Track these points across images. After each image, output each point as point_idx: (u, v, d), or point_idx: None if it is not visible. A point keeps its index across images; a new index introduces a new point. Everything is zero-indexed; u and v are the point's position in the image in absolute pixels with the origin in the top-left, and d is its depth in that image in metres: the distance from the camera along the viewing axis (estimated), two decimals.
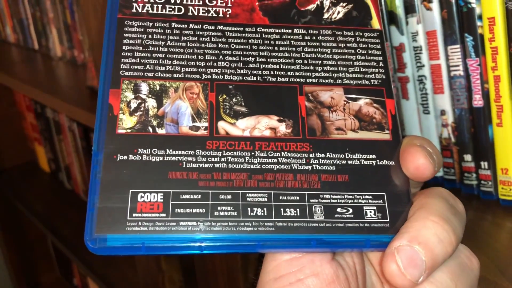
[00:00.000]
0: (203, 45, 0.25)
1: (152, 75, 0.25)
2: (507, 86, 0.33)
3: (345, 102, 0.25)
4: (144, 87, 0.24)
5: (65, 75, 0.84)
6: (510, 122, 0.34)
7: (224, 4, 0.27)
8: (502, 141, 0.35)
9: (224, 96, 0.25)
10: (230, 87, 0.25)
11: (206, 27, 0.26)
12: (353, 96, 0.26)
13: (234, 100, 0.25)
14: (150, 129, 0.23)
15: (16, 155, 1.25)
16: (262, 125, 0.24)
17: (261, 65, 0.25)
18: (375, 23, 0.27)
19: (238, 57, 0.26)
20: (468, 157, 0.37)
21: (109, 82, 0.24)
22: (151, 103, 0.24)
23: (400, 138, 0.25)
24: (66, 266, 1.21)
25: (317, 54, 0.26)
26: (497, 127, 0.34)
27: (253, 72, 0.25)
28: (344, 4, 0.28)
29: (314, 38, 0.27)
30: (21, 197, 1.15)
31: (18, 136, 1.24)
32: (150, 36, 0.25)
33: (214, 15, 0.26)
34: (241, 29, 0.26)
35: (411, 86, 0.38)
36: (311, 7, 0.27)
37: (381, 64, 0.26)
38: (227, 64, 0.25)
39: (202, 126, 0.24)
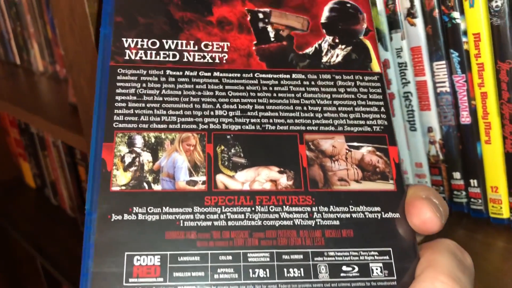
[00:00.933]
0: (199, 93, 0.24)
1: (147, 126, 0.23)
2: (495, 103, 0.32)
3: (347, 151, 0.25)
4: (138, 140, 0.23)
5: (47, 91, 0.82)
6: (498, 139, 0.33)
7: (220, 50, 0.26)
8: (491, 159, 0.34)
9: (222, 147, 0.24)
10: (228, 137, 0.24)
11: (202, 74, 0.25)
12: (355, 144, 0.25)
13: (232, 151, 0.24)
14: (146, 186, 0.22)
15: (1, 171, 1.22)
16: (262, 177, 0.23)
17: (259, 113, 0.25)
18: (375, 66, 0.27)
19: (235, 105, 0.25)
20: (457, 174, 0.36)
21: (102, 135, 0.23)
22: (146, 157, 0.23)
23: (404, 188, 0.24)
24: (55, 285, 1.18)
25: (317, 100, 0.25)
26: (486, 144, 0.34)
27: (252, 120, 0.24)
28: (343, 47, 0.27)
29: (313, 83, 0.26)
30: (6, 214, 1.12)
31: (2, 151, 1.22)
32: (144, 85, 0.24)
33: (210, 61, 0.25)
34: (238, 75, 0.25)
35: (397, 102, 0.37)
36: (309, 50, 0.27)
37: (382, 109, 0.26)
38: (224, 112, 0.24)
39: (200, 181, 0.23)
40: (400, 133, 0.38)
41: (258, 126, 0.24)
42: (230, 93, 0.25)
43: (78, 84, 0.47)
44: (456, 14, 0.31)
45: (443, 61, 0.33)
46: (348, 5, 0.28)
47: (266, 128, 0.24)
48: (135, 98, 0.24)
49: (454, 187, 0.37)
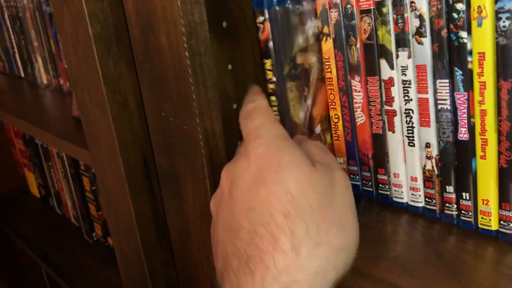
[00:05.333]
0: None
1: None
2: (493, 120, 0.29)
3: None
4: None
5: (51, 104, 0.77)
6: (493, 155, 0.30)
7: None
8: (485, 173, 0.31)
9: None
10: None
11: None
12: None
13: None
14: None
15: (6, 181, 1.15)
16: None
17: None
18: None
19: None
20: (450, 188, 0.33)
21: None
22: None
23: None
24: None
25: None
26: (481, 159, 0.30)
27: None
28: None
29: None
30: (11, 223, 1.05)
31: (7, 162, 1.15)
32: None
33: None
34: None
35: (397, 119, 0.33)
36: None
37: None
38: None
39: None
40: (398, 149, 0.34)
41: None
42: None
43: (82, 100, 0.43)
44: (464, 34, 0.28)
45: (446, 79, 0.30)
46: None
47: None
48: None
49: (446, 200, 0.33)
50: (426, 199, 0.35)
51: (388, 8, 0.30)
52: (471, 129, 0.30)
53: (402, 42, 0.31)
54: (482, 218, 0.32)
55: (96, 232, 0.90)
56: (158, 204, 0.44)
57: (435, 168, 0.33)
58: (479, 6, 0.26)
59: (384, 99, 0.33)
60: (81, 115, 0.44)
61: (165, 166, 0.38)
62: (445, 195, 0.33)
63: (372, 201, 0.38)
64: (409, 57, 0.31)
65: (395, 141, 0.34)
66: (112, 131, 0.40)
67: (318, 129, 0.36)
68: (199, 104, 0.32)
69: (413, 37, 0.30)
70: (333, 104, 0.37)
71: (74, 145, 0.55)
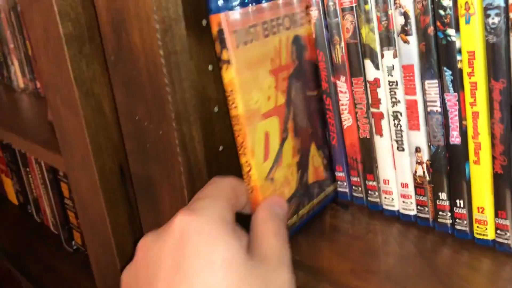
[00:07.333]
0: None
1: None
2: (486, 123, 0.28)
3: None
4: None
5: (28, 108, 0.76)
6: (487, 160, 0.29)
7: None
8: (479, 179, 0.30)
9: None
10: None
11: None
12: None
13: None
14: None
15: None
16: None
17: None
18: None
19: None
20: (443, 195, 0.32)
21: None
22: None
23: None
24: None
25: None
26: (474, 164, 0.30)
27: None
28: None
29: None
30: None
31: None
32: None
33: None
34: None
35: (385, 122, 0.33)
36: None
37: None
38: None
39: None
40: (387, 153, 0.33)
41: None
42: None
43: (53, 104, 0.42)
44: (451, 31, 0.27)
45: (435, 79, 0.29)
46: None
47: None
48: None
49: (439, 208, 0.33)
50: (418, 207, 0.34)
51: (371, 5, 0.30)
52: (463, 132, 0.29)
53: (386, 41, 0.30)
54: (477, 227, 0.31)
55: (76, 241, 0.89)
56: (136, 214, 0.43)
57: (426, 174, 0.32)
58: (466, 3, 0.25)
59: (370, 101, 0.33)
60: (54, 120, 0.43)
61: (140, 174, 0.36)
62: (438, 203, 0.33)
63: (363, 209, 0.38)
64: (394, 56, 0.30)
65: (383, 145, 0.33)
66: (85, 137, 0.39)
67: None
68: (175, 107, 0.31)
69: (398, 35, 0.29)
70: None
71: (49, 152, 0.54)
